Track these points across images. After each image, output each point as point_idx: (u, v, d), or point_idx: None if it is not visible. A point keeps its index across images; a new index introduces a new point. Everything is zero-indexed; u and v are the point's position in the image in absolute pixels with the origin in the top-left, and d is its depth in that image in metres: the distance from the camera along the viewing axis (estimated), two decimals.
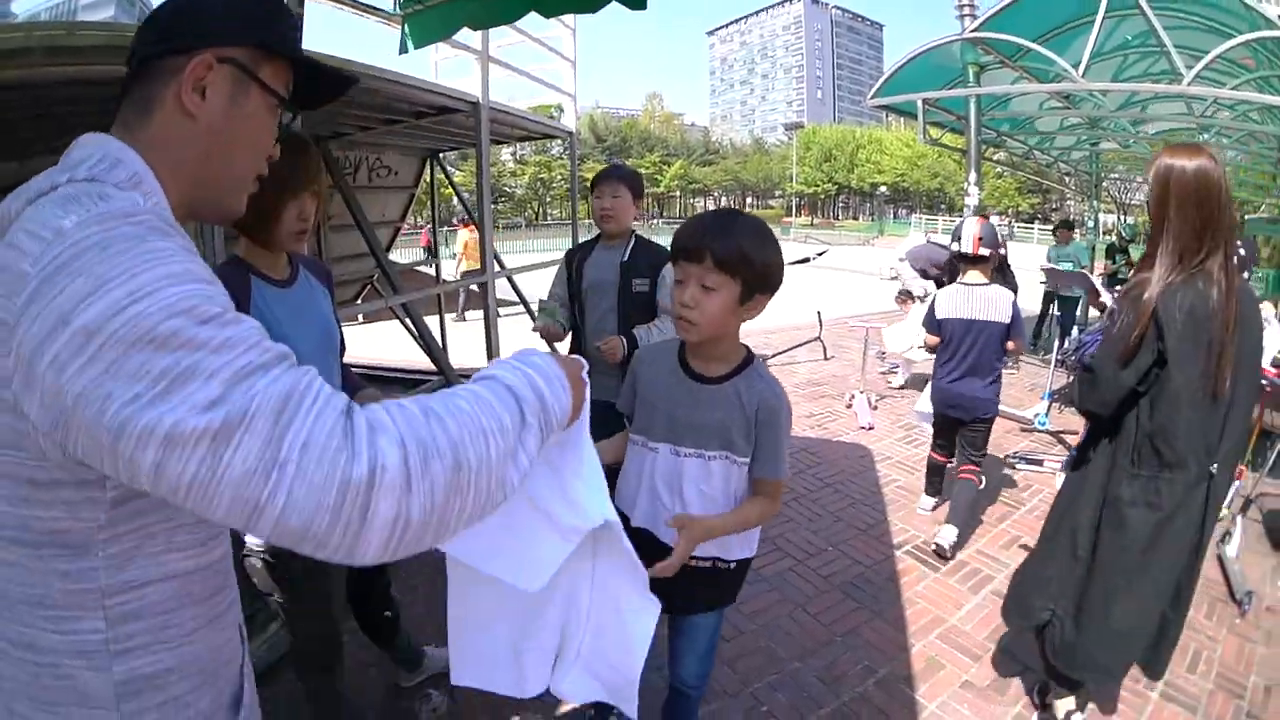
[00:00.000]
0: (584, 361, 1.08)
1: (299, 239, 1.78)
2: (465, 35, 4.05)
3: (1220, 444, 1.99)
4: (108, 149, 0.81)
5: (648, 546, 1.59)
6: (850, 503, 4.36)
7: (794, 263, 29.29)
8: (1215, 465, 1.99)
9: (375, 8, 3.30)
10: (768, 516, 1.80)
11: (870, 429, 5.77)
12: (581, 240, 3.43)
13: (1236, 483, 4.19)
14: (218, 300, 0.71)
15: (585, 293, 3.21)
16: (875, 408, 6.27)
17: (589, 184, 3.20)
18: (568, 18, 5.22)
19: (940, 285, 5.65)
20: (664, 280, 3.05)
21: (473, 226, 8.78)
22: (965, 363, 3.79)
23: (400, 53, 2.89)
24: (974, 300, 3.78)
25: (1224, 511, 4.05)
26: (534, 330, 3.02)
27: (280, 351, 0.71)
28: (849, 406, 6.31)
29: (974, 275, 3.88)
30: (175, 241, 0.74)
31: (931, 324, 3.94)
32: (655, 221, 65.74)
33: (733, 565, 1.87)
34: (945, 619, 3.17)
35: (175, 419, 0.62)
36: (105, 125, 0.86)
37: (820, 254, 31.75)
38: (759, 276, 1.59)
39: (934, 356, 4.03)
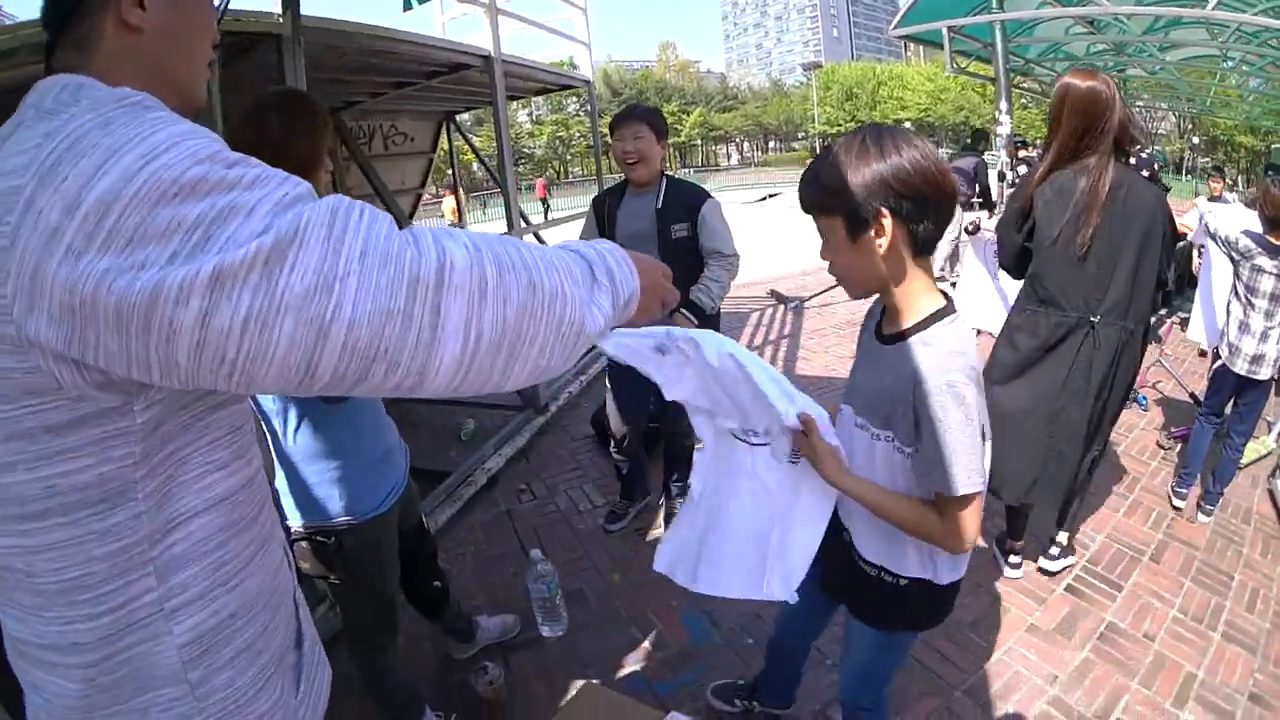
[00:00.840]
0: (666, 267, 1.06)
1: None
2: None
3: (1104, 299, 2.46)
4: (69, 79, 0.73)
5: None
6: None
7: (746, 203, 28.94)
8: (1096, 316, 2.47)
9: None
10: (935, 537, 1.33)
11: None
12: (608, 187, 3.18)
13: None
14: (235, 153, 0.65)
15: (622, 243, 2.92)
16: None
17: (608, 132, 3.01)
18: None
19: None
20: (704, 220, 2.87)
21: (452, 193, 8.64)
22: None
23: (405, 9, 2.79)
24: None
25: (1272, 444, 4.01)
26: None
27: (311, 186, 0.66)
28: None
29: None
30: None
31: None
32: (681, 171, 65.00)
33: (903, 583, 1.46)
34: None
35: (220, 258, 0.57)
36: None
37: (772, 195, 31.18)
38: (848, 202, 1.24)
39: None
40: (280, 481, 1.76)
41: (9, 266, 0.60)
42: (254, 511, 0.88)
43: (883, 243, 1.25)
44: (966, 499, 1.25)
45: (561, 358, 0.75)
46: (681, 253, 2.84)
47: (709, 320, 2.82)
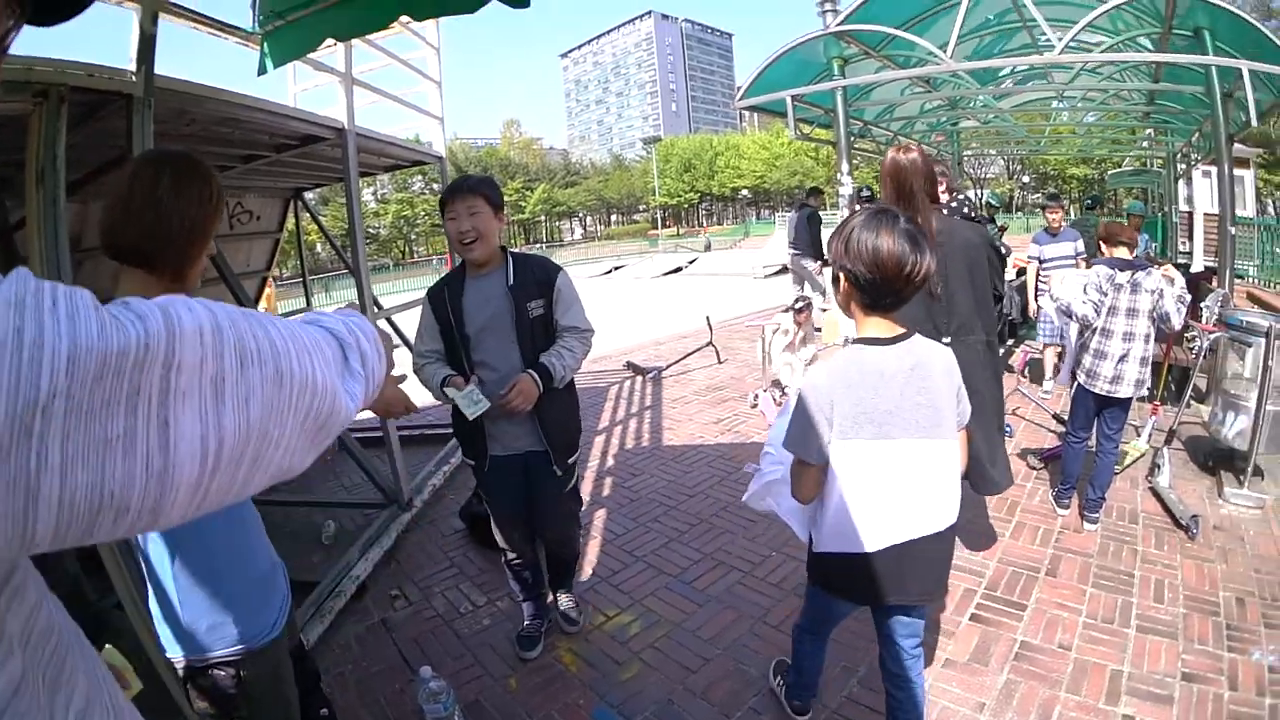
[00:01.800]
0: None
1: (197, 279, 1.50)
2: (327, 57, 3.73)
3: (950, 323, 2.91)
4: None
5: None
6: None
7: (667, 273, 30.02)
8: (947, 338, 2.84)
9: (233, 26, 2.90)
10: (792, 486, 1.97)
11: None
12: (442, 275, 2.83)
13: (1153, 418, 4.52)
14: None
15: (474, 337, 2.62)
16: (779, 404, 6.26)
17: (439, 209, 2.69)
18: (431, 35, 4.94)
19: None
20: (560, 295, 2.66)
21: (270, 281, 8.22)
22: None
23: (260, 73, 2.58)
24: None
25: (1144, 446, 4.41)
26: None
27: None
28: (754, 406, 6.31)
29: None
30: None
31: None
32: (528, 246, 65.41)
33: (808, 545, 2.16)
34: None
35: None
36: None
37: (691, 262, 32.36)
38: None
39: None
40: (155, 610, 1.51)
41: None
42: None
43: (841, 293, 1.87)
44: (799, 461, 1.86)
45: (306, 459, 0.65)
46: (539, 333, 2.64)
47: (554, 392, 2.63)
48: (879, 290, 1.74)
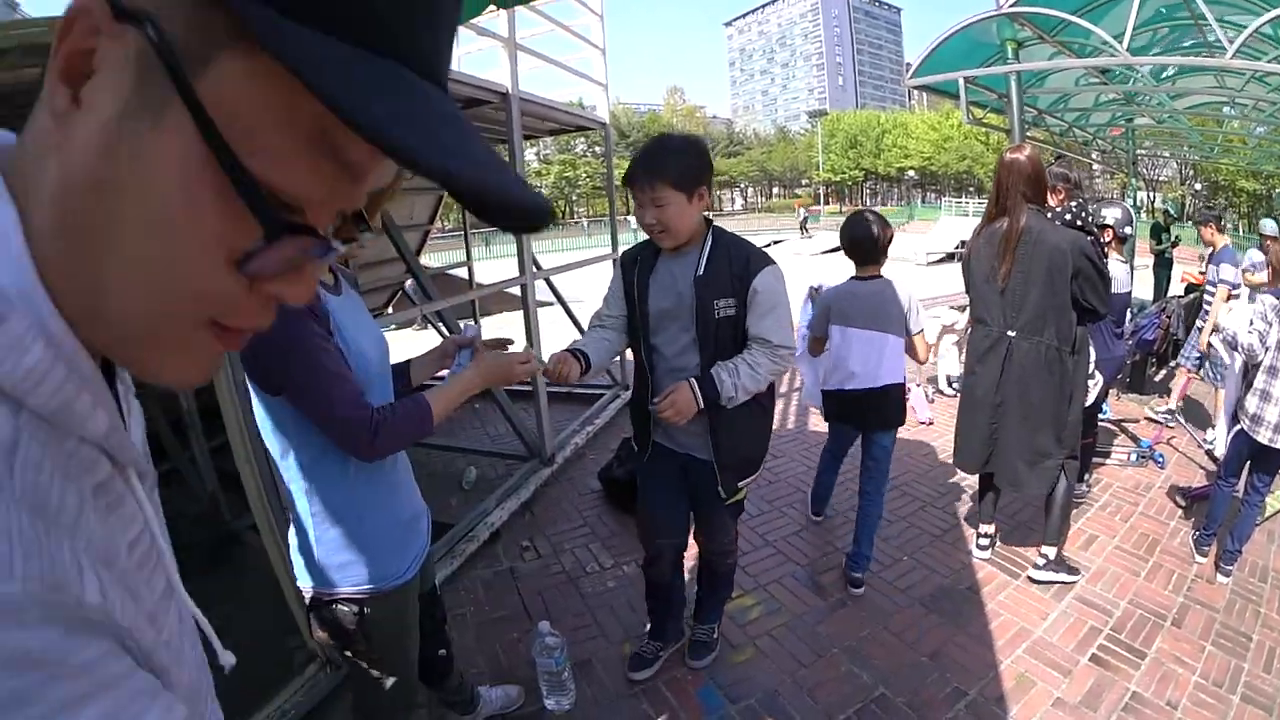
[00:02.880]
0: None
1: None
2: (490, 22, 3.84)
3: (1018, 318, 3.03)
4: None
5: None
6: (920, 506, 4.08)
7: (827, 251, 29.14)
8: (1013, 331, 3.06)
9: None
10: None
11: (930, 424, 5.45)
12: (640, 241, 2.35)
13: None
14: None
15: (653, 320, 2.25)
16: (933, 401, 5.95)
17: (623, 181, 2.20)
18: (594, 2, 4.98)
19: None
20: (756, 296, 2.14)
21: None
22: None
23: None
24: None
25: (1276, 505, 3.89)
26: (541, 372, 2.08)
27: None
28: (906, 400, 5.97)
29: None
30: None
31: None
32: None
33: None
34: (1031, 631, 2.95)
35: None
36: None
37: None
38: None
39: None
40: (292, 539, 1.60)
41: None
42: None
43: None
44: (815, 337, 3.12)
45: None
46: (725, 336, 2.18)
47: (734, 412, 2.19)
48: (852, 253, 3.27)
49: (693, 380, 2.12)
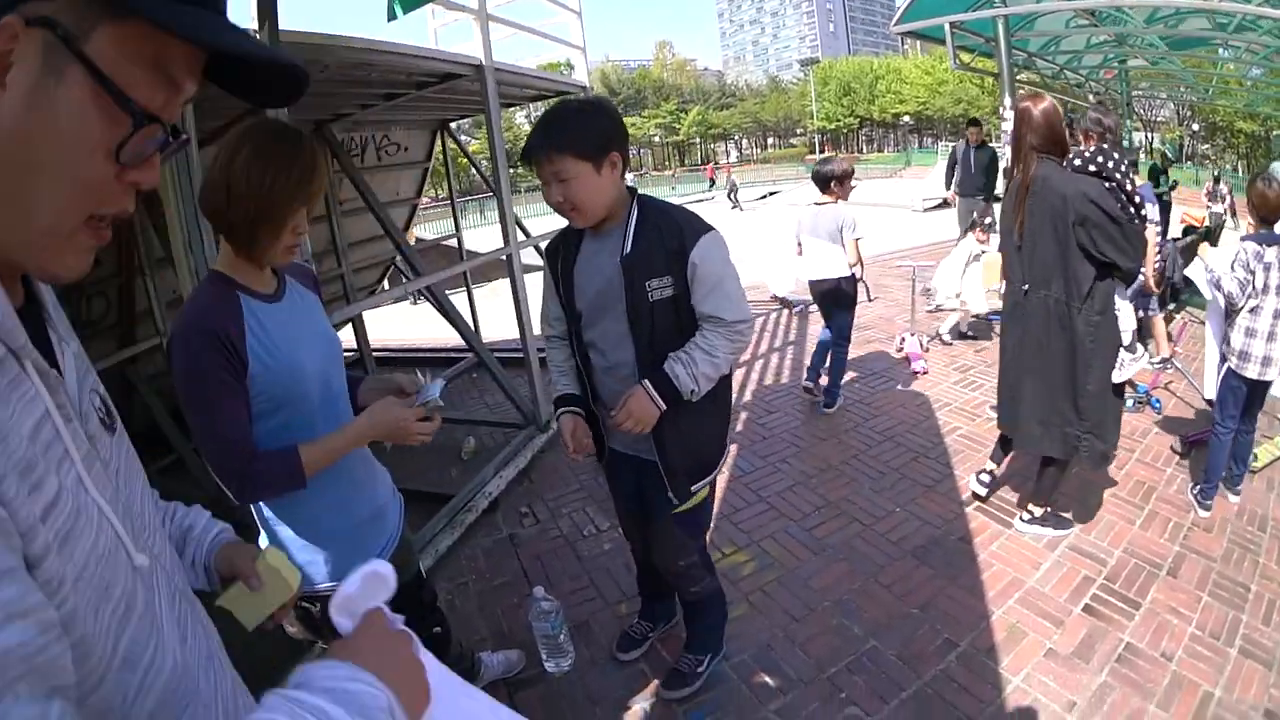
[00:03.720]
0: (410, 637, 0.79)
1: (292, 252, 1.51)
2: None
3: (1030, 272, 2.99)
4: None
5: None
6: (913, 456, 4.12)
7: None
8: (1026, 286, 3.02)
9: None
10: None
11: (924, 374, 5.48)
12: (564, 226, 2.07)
13: None
14: None
15: (586, 314, 2.03)
16: (927, 350, 5.97)
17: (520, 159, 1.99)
18: None
19: None
20: (697, 270, 1.89)
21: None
22: None
23: (389, 19, 2.64)
24: None
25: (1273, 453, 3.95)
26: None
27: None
28: (899, 350, 6.00)
29: None
30: None
31: None
32: (678, 170, 64.53)
33: None
34: (1023, 580, 2.98)
35: None
36: None
37: (772, 194, 29.97)
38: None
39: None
40: (262, 539, 1.64)
41: None
42: None
43: None
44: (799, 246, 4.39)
45: None
46: (664, 322, 1.93)
47: (686, 405, 1.96)
48: (816, 183, 4.65)
49: (645, 382, 1.91)
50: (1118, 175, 2.84)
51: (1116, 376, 3.01)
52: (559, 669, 2.62)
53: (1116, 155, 2.89)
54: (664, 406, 1.91)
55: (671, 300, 1.91)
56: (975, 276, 6.11)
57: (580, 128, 1.79)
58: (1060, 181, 2.85)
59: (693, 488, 2.11)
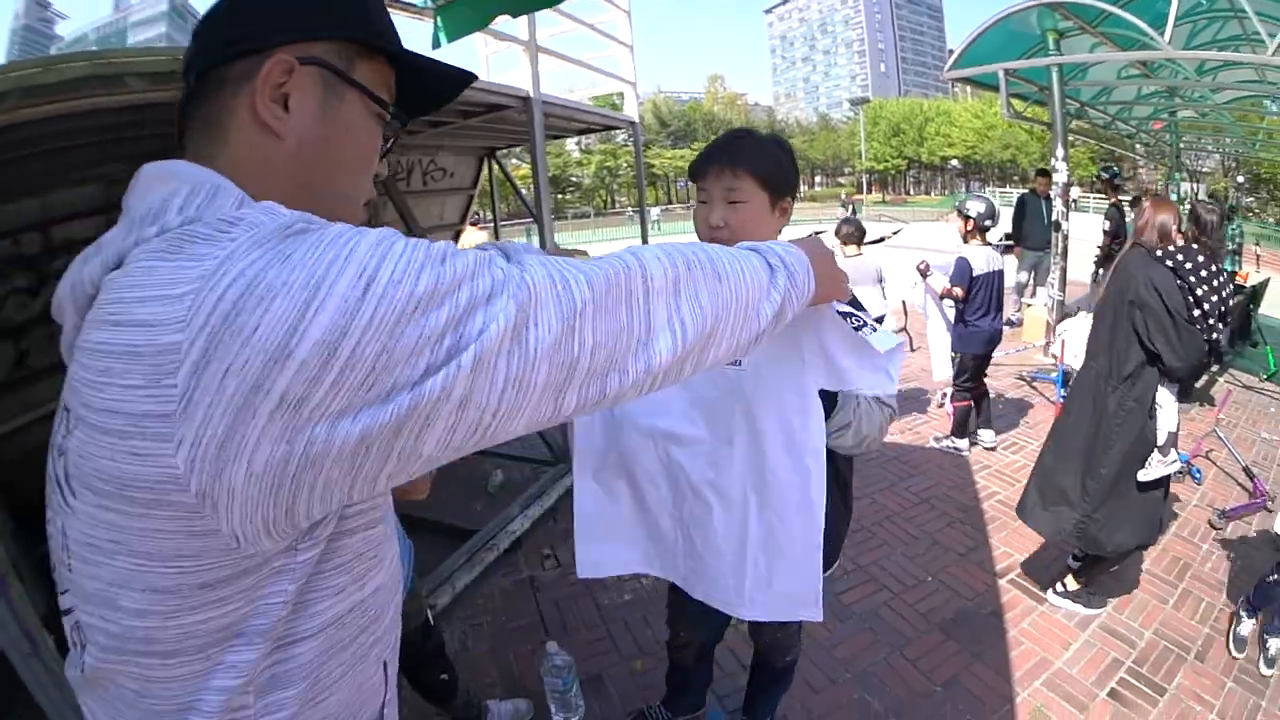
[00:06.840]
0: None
1: None
2: (510, 25, 3.75)
3: (1091, 343, 3.08)
4: (197, 179, 0.66)
5: None
6: (948, 521, 3.97)
7: (870, 242, 28.48)
8: (1089, 360, 3.06)
9: (405, 2, 2.97)
10: None
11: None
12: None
13: None
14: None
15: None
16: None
17: (688, 173, 1.74)
18: (621, 0, 4.90)
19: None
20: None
21: (479, 226, 8.70)
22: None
23: (434, 47, 2.62)
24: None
25: None
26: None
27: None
28: (941, 406, 5.81)
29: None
30: None
31: None
32: None
33: None
34: (1051, 661, 2.85)
35: (477, 347, 0.57)
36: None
37: (895, 233, 30.53)
38: None
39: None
40: None
41: (182, 433, 0.53)
42: (356, 632, 0.79)
43: None
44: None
45: (750, 338, 0.83)
46: None
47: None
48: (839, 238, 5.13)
49: None
50: (1191, 279, 2.74)
51: (1142, 475, 2.89)
52: None
53: (1202, 258, 2.80)
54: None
55: None
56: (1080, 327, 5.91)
57: (772, 157, 1.59)
58: (1135, 263, 2.91)
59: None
